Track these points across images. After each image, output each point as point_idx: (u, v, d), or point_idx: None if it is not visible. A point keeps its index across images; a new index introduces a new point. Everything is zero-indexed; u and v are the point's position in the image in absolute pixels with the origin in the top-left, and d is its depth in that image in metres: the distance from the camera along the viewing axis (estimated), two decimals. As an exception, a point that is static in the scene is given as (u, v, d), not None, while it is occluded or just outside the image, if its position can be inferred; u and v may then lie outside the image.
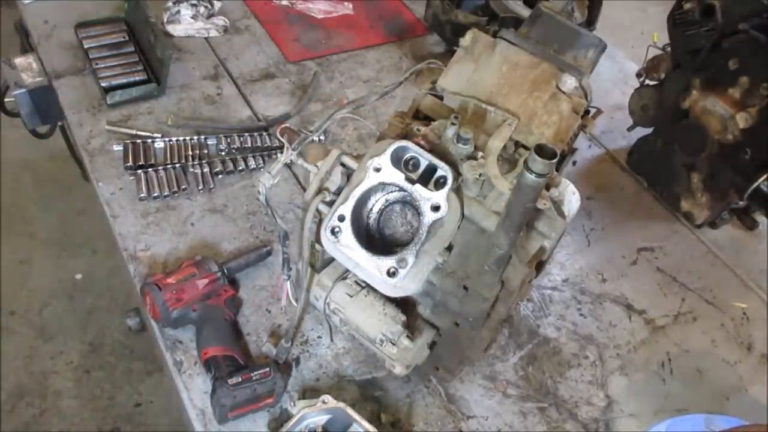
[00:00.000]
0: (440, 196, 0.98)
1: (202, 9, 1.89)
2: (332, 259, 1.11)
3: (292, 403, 1.09)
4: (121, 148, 1.53)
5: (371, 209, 1.06)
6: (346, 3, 2.08)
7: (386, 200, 1.05)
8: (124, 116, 1.63)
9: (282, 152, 1.10)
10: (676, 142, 1.53)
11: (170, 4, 1.87)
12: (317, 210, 1.05)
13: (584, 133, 1.70)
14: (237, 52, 1.87)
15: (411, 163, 1.02)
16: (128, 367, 2.41)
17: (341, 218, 1.01)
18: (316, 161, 1.10)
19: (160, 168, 1.49)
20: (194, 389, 1.16)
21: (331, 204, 1.05)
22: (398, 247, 1.04)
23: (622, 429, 1.22)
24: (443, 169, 0.99)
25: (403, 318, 1.10)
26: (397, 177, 1.00)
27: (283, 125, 1.59)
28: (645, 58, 1.63)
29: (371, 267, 1.00)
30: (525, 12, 1.69)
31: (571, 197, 1.09)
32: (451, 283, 1.01)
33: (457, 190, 1.00)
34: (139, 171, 1.48)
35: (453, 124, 1.00)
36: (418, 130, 1.06)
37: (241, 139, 1.59)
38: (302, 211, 1.08)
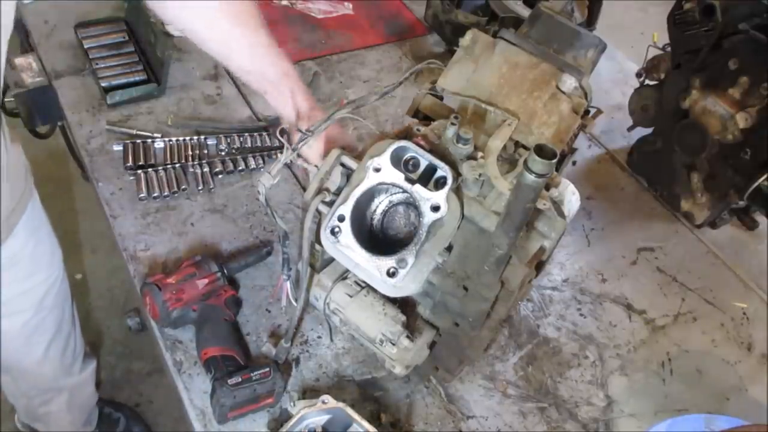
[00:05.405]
0: (440, 197, 0.98)
1: (202, 9, 1.89)
2: (332, 259, 1.11)
3: (292, 403, 1.09)
4: (121, 148, 1.53)
5: (375, 211, 1.06)
6: (346, 3, 2.08)
7: (390, 201, 1.05)
8: (124, 116, 1.63)
9: (282, 152, 1.10)
10: (676, 142, 1.53)
11: (170, 4, 1.87)
12: (317, 210, 1.05)
13: (584, 133, 1.71)
14: (237, 52, 1.86)
15: (411, 163, 1.02)
16: (128, 367, 2.41)
17: (341, 218, 1.01)
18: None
19: (160, 168, 1.49)
20: (194, 389, 1.16)
21: (331, 204, 1.04)
22: (402, 247, 1.04)
23: (622, 429, 1.22)
24: (443, 169, 0.99)
25: (403, 318, 1.10)
26: (397, 177, 1.00)
27: (283, 125, 1.59)
28: (645, 58, 1.63)
29: (371, 267, 0.99)
30: (525, 12, 1.69)
31: (571, 197, 1.09)
32: (451, 283, 1.01)
33: (457, 190, 1.00)
34: (139, 171, 1.48)
35: (453, 124, 1.00)
36: (418, 130, 1.06)
37: (241, 139, 1.59)
38: (302, 211, 1.07)
